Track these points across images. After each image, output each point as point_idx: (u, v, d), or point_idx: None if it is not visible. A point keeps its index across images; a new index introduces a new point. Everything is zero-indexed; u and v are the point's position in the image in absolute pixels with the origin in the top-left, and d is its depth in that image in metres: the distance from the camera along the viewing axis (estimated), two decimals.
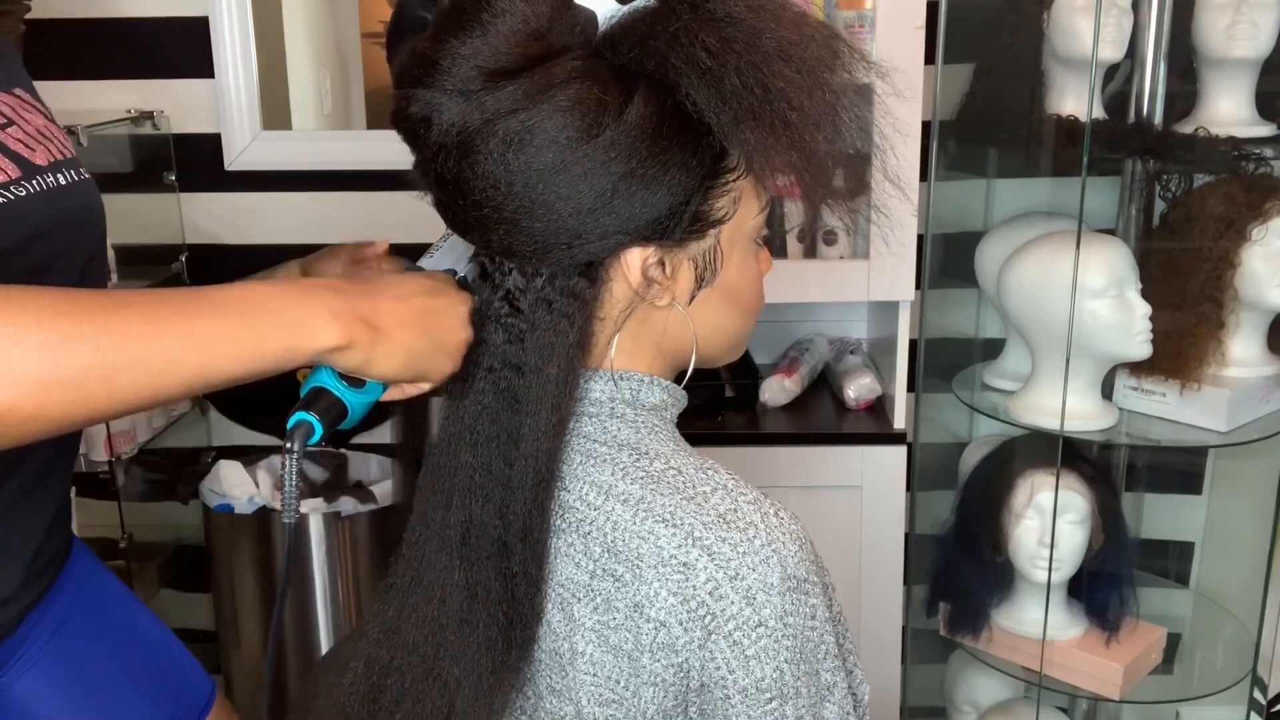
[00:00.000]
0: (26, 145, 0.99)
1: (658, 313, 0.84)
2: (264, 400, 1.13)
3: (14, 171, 0.96)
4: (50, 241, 0.98)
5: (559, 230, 0.78)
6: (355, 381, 0.82)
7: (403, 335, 0.80)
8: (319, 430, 0.81)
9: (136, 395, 0.71)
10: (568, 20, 0.78)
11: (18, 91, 1.05)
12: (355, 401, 0.83)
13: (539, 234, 0.78)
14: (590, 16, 0.79)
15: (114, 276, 1.85)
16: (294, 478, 0.81)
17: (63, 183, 1.01)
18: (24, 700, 1.08)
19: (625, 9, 0.79)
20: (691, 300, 0.84)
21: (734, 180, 0.82)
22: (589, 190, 0.76)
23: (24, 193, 0.96)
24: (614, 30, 0.79)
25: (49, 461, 1.09)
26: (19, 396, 0.66)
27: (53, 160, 1.01)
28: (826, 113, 0.78)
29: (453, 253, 0.95)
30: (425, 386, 0.84)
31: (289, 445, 0.80)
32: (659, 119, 0.76)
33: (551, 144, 0.75)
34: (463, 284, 0.91)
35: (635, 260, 0.81)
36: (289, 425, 0.81)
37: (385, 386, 0.84)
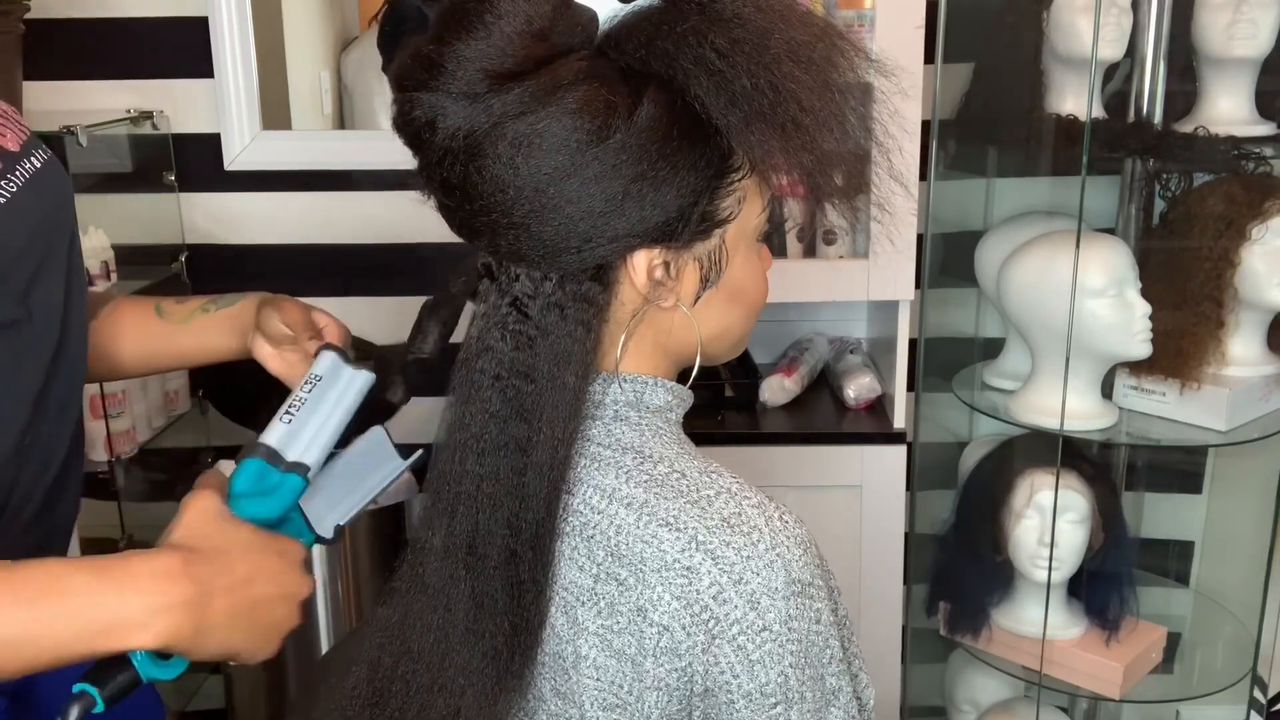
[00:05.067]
0: None
1: (662, 314, 0.84)
2: (263, 399, 1.12)
3: None
4: (44, 235, 0.94)
5: (569, 234, 0.77)
6: (163, 654, 0.79)
7: (226, 630, 0.79)
8: (100, 707, 0.78)
9: None
10: (569, 20, 0.77)
11: None
12: (155, 675, 0.80)
13: (549, 238, 0.77)
14: (591, 16, 0.78)
15: (114, 277, 1.85)
16: None
17: (39, 165, 0.94)
18: None
19: (628, 8, 0.78)
20: (696, 300, 0.84)
21: (739, 180, 0.81)
22: (600, 193, 0.75)
23: (14, 188, 0.90)
24: (618, 30, 0.78)
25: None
26: None
27: (22, 142, 0.95)
28: (834, 113, 0.78)
29: (321, 404, 0.92)
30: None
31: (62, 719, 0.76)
32: (669, 121, 0.76)
33: (561, 147, 0.74)
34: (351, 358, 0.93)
35: (641, 262, 0.80)
36: (74, 690, 0.77)
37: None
